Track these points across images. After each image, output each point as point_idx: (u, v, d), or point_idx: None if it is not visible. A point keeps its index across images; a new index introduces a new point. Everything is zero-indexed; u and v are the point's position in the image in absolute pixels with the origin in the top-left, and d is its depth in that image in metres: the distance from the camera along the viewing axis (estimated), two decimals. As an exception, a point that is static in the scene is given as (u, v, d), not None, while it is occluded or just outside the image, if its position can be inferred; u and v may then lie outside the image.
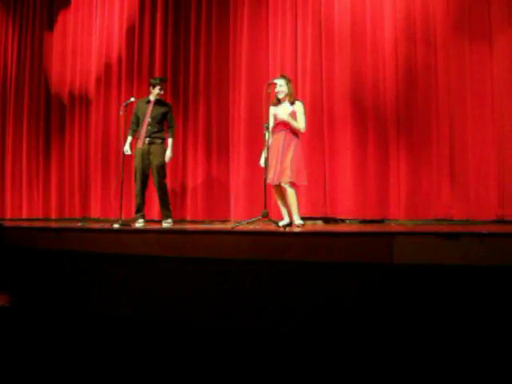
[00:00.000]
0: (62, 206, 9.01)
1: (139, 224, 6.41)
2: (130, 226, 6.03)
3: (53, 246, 4.60)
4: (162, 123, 6.65)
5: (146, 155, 6.52)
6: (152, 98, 6.64)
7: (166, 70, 8.23)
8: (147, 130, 6.52)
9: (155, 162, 6.51)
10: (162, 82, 6.79)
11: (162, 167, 6.57)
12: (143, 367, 3.18)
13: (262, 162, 5.71)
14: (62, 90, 9.25)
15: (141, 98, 7.01)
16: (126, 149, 6.57)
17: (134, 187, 6.72)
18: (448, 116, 6.36)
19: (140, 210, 6.56)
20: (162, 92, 6.71)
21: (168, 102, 7.29)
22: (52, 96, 9.33)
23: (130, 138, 6.67)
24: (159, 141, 6.57)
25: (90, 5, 9.10)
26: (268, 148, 5.45)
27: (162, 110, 6.64)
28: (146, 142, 6.51)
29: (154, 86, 6.67)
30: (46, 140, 9.28)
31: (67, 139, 9.09)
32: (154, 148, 6.53)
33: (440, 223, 6.21)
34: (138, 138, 6.62)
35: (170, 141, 6.63)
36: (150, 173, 6.63)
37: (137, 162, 6.58)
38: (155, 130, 6.55)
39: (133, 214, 6.68)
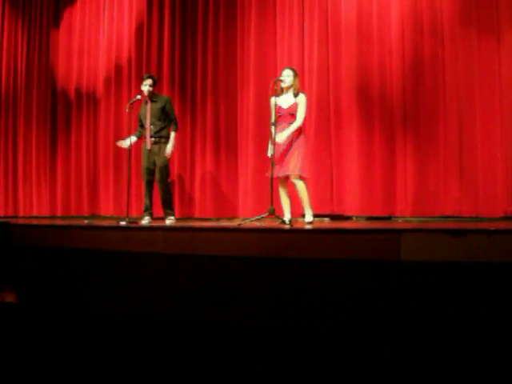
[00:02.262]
0: (69, 203, 9.03)
1: (145, 221, 6.44)
2: (136, 223, 6.05)
3: (59, 244, 4.62)
4: (164, 119, 6.60)
5: (151, 155, 6.55)
6: (144, 96, 6.61)
7: (174, 68, 8.22)
8: (150, 130, 6.52)
9: (159, 161, 6.52)
10: (151, 78, 6.66)
11: (165, 167, 6.57)
12: (151, 363, 3.18)
13: (269, 153, 5.65)
14: (69, 88, 9.27)
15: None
16: (122, 142, 6.58)
17: (143, 187, 6.76)
18: (456, 111, 6.32)
19: (147, 209, 6.60)
20: (152, 88, 6.58)
21: (164, 94, 7.26)
22: (58, 94, 9.35)
23: (133, 138, 6.62)
24: (163, 140, 6.56)
25: (97, 2, 9.10)
26: (274, 143, 5.44)
27: (159, 105, 6.59)
28: (152, 142, 6.52)
29: (143, 82, 6.69)
30: (52, 138, 9.32)
31: (73, 137, 9.10)
32: (158, 148, 6.53)
33: (447, 220, 6.18)
34: (144, 139, 6.63)
35: (172, 134, 6.60)
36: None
37: (143, 163, 6.64)
38: (158, 128, 6.54)
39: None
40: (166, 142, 6.56)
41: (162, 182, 6.58)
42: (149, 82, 6.61)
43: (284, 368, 3.01)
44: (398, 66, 6.66)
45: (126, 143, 6.53)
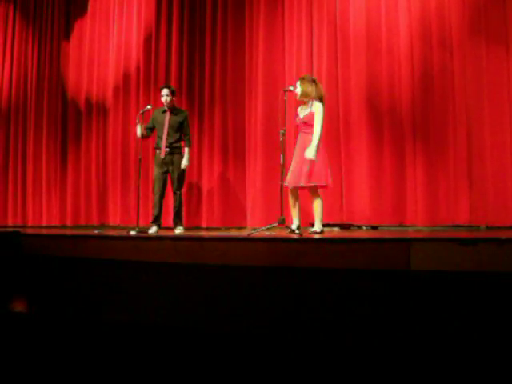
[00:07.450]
0: (79, 213, 9.05)
1: (151, 231, 6.41)
2: (146, 233, 6.05)
3: (69, 253, 4.63)
4: (180, 132, 6.63)
5: (165, 165, 6.55)
6: (166, 106, 6.65)
7: (182, 77, 8.26)
8: (166, 140, 6.53)
9: (175, 171, 6.53)
10: (167, 87, 6.69)
11: (182, 177, 6.60)
12: (161, 375, 3.18)
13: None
14: (79, 99, 9.32)
15: (157, 107, 6.94)
16: (138, 133, 6.61)
17: (153, 196, 6.74)
18: (465, 120, 6.32)
19: (157, 220, 6.55)
20: (169, 98, 6.59)
21: (184, 109, 7.28)
22: (69, 104, 9.41)
23: (139, 127, 6.61)
24: (178, 150, 6.59)
25: (106, 14, 9.17)
26: (283, 151, 5.43)
27: (179, 118, 6.61)
28: (167, 152, 6.53)
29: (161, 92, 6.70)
30: (63, 148, 9.36)
31: (84, 147, 9.14)
32: (174, 158, 6.54)
33: (457, 229, 6.16)
34: (157, 149, 6.63)
35: (186, 149, 6.63)
36: (169, 182, 6.65)
37: (156, 172, 6.63)
38: (174, 139, 6.55)
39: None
40: (180, 153, 6.58)
41: (177, 193, 6.60)
42: (165, 91, 6.63)
43: (293, 381, 3.00)
44: (407, 76, 6.67)
45: (138, 130, 6.61)
